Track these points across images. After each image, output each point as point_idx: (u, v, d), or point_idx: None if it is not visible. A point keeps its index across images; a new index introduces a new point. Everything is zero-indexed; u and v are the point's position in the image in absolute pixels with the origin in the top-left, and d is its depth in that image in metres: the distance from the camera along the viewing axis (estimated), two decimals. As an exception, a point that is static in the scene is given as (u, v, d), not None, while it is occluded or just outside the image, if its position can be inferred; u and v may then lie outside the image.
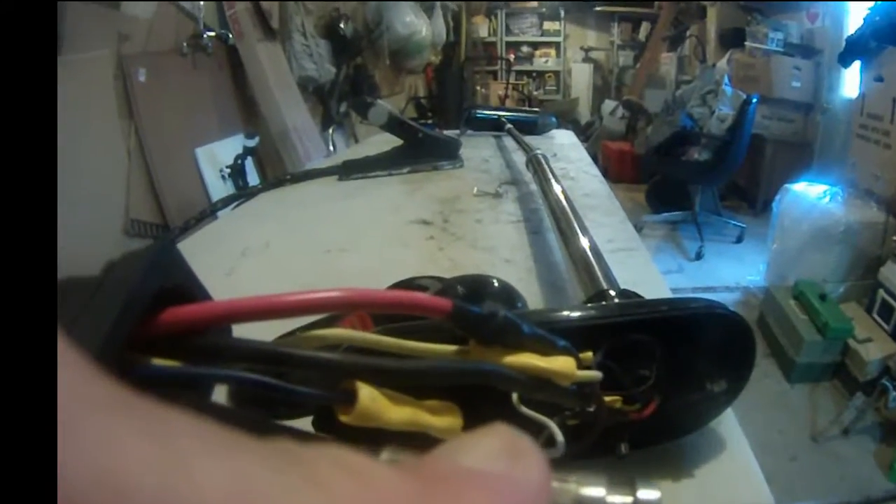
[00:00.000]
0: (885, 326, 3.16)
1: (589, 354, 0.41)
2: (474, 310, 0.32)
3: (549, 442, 0.37)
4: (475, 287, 0.53)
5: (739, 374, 0.50)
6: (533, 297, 0.79)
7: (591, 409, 0.42)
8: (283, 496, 0.14)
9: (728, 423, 0.56)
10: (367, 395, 0.28)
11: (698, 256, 4.61)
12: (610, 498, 0.25)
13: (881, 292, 3.25)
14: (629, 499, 0.25)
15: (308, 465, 0.15)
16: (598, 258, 0.66)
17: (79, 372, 0.14)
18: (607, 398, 0.44)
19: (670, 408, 0.47)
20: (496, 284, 0.55)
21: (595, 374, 0.40)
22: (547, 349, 0.36)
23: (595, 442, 0.43)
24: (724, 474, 0.52)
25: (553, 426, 0.37)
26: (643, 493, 0.25)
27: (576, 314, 0.45)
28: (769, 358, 3.35)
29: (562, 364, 0.36)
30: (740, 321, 0.49)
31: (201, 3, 2.80)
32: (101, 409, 0.14)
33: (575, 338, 0.41)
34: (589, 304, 0.57)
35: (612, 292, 0.59)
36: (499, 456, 0.18)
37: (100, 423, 0.14)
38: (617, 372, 0.44)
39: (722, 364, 0.49)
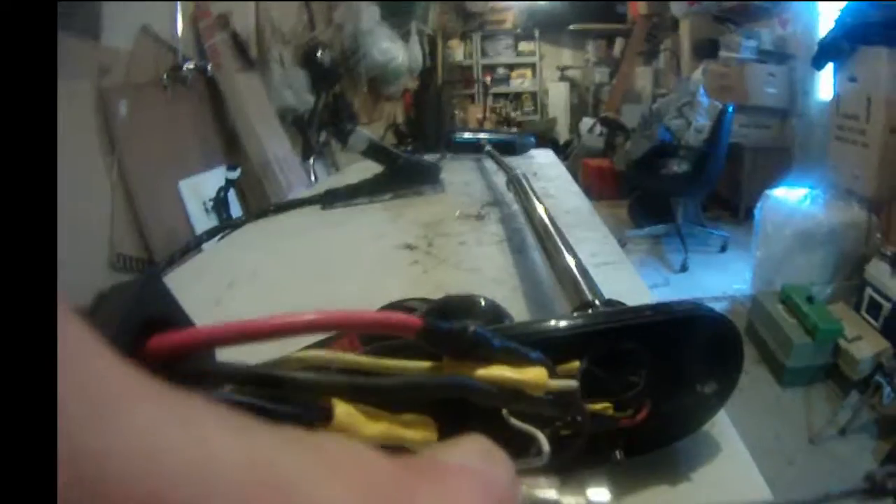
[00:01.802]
0: (875, 324, 3.20)
1: (576, 364, 0.42)
2: (444, 326, 0.33)
3: (539, 452, 0.38)
4: (462, 307, 0.53)
5: (729, 374, 0.51)
6: (520, 314, 0.80)
7: (580, 419, 0.42)
8: (298, 474, 0.16)
9: (722, 425, 0.56)
10: (343, 411, 0.29)
11: (683, 268, 4.61)
12: (565, 499, 0.27)
13: (868, 290, 3.29)
14: (581, 499, 0.26)
15: (317, 447, 0.17)
16: (583, 272, 0.67)
17: (112, 363, 0.15)
18: (598, 405, 0.44)
19: (663, 412, 0.48)
20: (483, 303, 0.56)
21: (568, 383, 0.40)
22: (519, 361, 0.37)
23: (590, 450, 0.44)
24: (722, 476, 0.52)
25: (539, 436, 0.38)
26: (594, 495, 0.26)
27: (562, 323, 0.45)
28: (760, 364, 3.35)
29: (533, 374, 0.37)
30: (725, 321, 0.50)
31: (180, 34, 2.81)
32: (142, 398, 0.15)
33: (563, 348, 0.42)
34: (574, 314, 0.57)
35: (598, 302, 0.60)
36: (474, 455, 0.21)
37: (143, 412, 0.15)
38: (606, 379, 0.44)
39: (710, 365, 0.50)
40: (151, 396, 0.15)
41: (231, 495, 0.14)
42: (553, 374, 0.39)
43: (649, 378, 0.46)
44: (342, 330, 0.31)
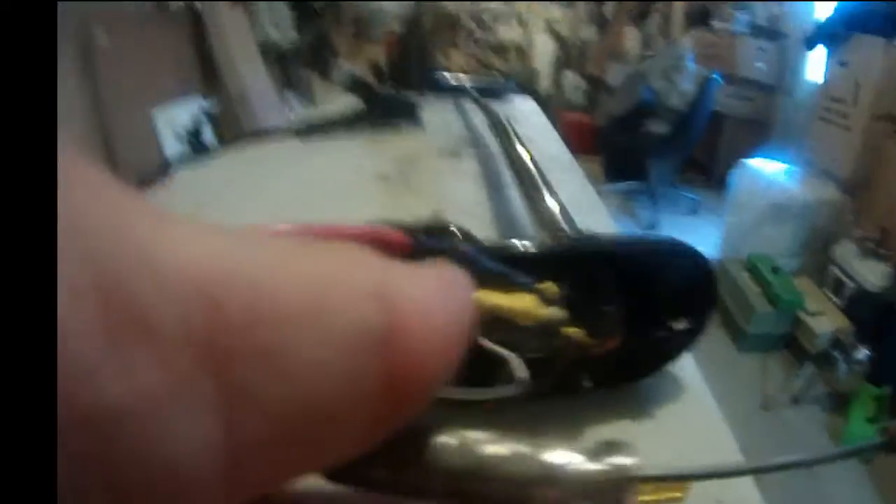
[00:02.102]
0: (837, 301, 3.27)
1: (551, 285, 0.41)
2: (432, 244, 0.33)
3: (510, 376, 0.36)
4: (435, 232, 0.52)
5: (700, 313, 0.50)
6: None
7: (556, 345, 0.41)
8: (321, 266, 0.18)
9: (688, 368, 0.56)
10: None
11: (651, 227, 4.65)
12: (584, 465, 0.25)
13: (834, 269, 3.36)
14: (601, 465, 0.25)
15: (335, 247, 0.19)
16: (562, 209, 0.66)
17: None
18: (570, 331, 0.43)
19: (633, 345, 0.47)
20: (455, 231, 0.56)
21: (559, 313, 0.39)
22: (507, 286, 0.36)
23: (560, 379, 0.43)
24: (685, 416, 0.52)
25: (515, 360, 0.36)
26: (615, 459, 0.25)
27: (540, 245, 0.45)
28: (720, 328, 3.41)
29: (524, 302, 0.36)
30: (701, 258, 0.50)
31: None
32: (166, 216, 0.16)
33: (538, 269, 0.41)
34: (554, 237, 0.58)
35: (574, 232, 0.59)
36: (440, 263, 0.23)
37: (180, 223, 0.16)
38: (581, 304, 0.43)
39: (683, 302, 0.49)
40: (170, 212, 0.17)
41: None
42: (543, 302, 0.38)
43: (623, 307, 0.45)
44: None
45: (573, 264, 0.44)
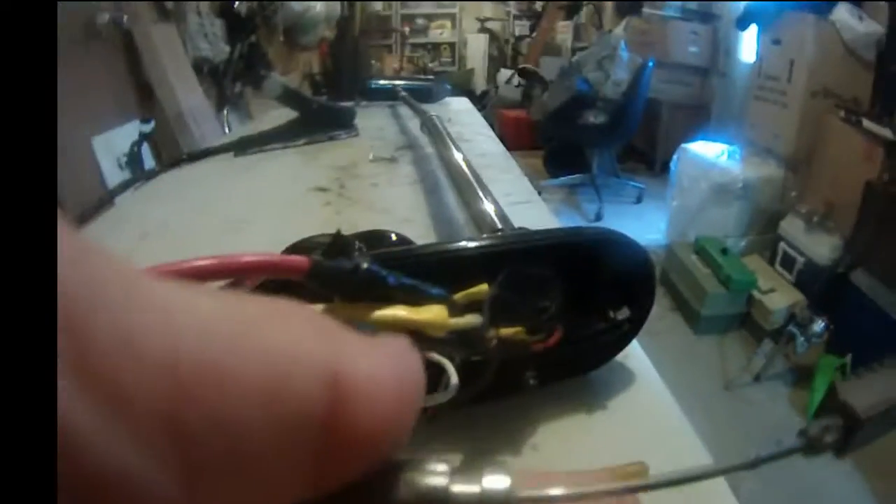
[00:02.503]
0: (788, 276, 3.32)
1: (483, 287, 0.40)
2: (333, 265, 0.32)
3: (445, 384, 0.37)
4: (373, 241, 0.52)
5: (641, 301, 0.51)
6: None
7: (485, 350, 0.41)
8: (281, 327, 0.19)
9: (636, 356, 0.57)
10: None
11: (598, 218, 4.68)
12: (455, 487, 0.24)
13: (783, 245, 3.40)
14: (475, 487, 0.25)
15: (270, 306, 0.20)
16: (497, 209, 0.66)
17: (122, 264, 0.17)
18: (509, 330, 0.42)
19: (576, 339, 0.48)
20: (394, 238, 0.56)
21: (470, 321, 0.39)
22: (417, 299, 0.36)
23: (503, 378, 0.43)
24: (638, 404, 0.53)
25: (448, 366, 0.37)
26: (490, 481, 0.25)
27: (471, 244, 0.45)
28: (674, 312, 3.43)
29: (432, 314, 0.36)
30: (636, 246, 0.49)
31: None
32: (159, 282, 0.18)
33: (471, 270, 0.41)
34: (483, 236, 0.57)
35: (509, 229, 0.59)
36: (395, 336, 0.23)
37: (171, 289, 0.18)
38: (517, 303, 0.43)
39: (622, 291, 0.50)
40: (146, 275, 0.18)
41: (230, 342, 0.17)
42: (455, 311, 0.38)
43: (561, 302, 0.45)
44: (228, 276, 0.29)
45: (507, 262, 0.43)
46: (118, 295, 0.16)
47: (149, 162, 2.89)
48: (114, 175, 2.70)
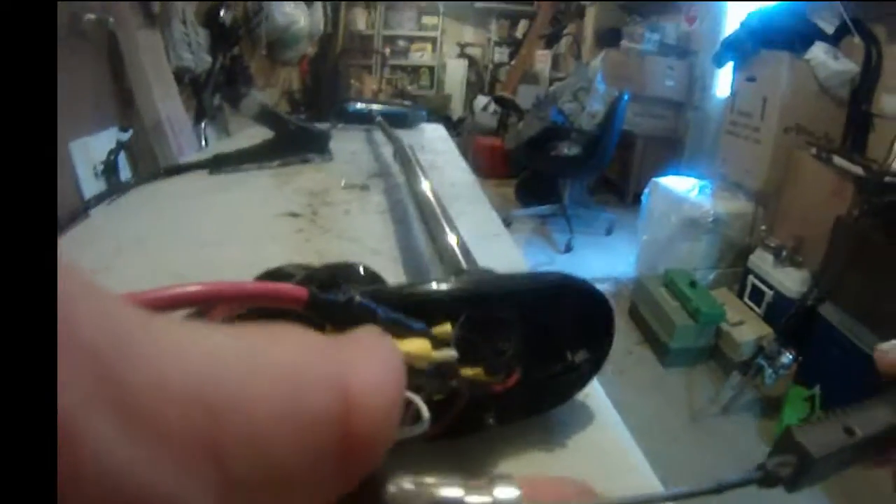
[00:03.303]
0: (757, 309, 3.36)
1: (447, 327, 0.42)
2: (330, 297, 0.34)
3: (415, 418, 0.37)
4: (341, 274, 0.52)
5: (599, 343, 0.52)
6: (398, 281, 0.82)
7: (454, 385, 0.43)
8: (269, 344, 0.22)
9: (595, 395, 0.58)
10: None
11: (568, 249, 4.70)
12: (469, 498, 0.26)
13: (751, 278, 3.45)
14: (488, 498, 0.27)
15: (257, 332, 0.23)
16: (461, 245, 0.67)
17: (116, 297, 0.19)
18: (469, 371, 0.44)
19: (534, 379, 0.49)
20: (362, 272, 0.57)
21: (450, 354, 0.41)
22: (402, 332, 0.38)
23: (463, 417, 0.44)
24: (597, 442, 0.54)
25: (418, 401, 0.37)
26: (501, 492, 0.27)
27: (433, 286, 0.46)
28: (643, 345, 3.45)
29: (417, 346, 0.38)
30: (594, 291, 0.51)
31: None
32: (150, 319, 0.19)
33: (434, 312, 0.42)
34: (448, 279, 0.57)
35: (472, 270, 0.60)
36: (372, 331, 0.27)
37: (162, 329, 0.19)
38: (477, 344, 0.44)
39: (581, 334, 0.51)
40: (157, 317, 0.20)
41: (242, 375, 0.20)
42: (436, 345, 0.40)
43: (519, 345, 0.46)
44: (231, 302, 0.31)
45: (469, 305, 0.44)
46: (144, 340, 0.18)
47: (125, 172, 2.87)
48: (89, 183, 2.69)
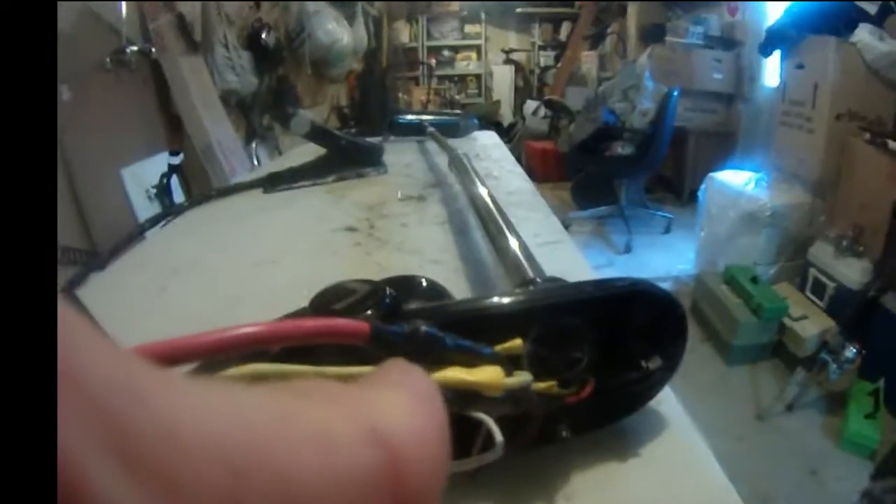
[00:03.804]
0: (819, 303, 3.30)
1: (517, 342, 0.41)
2: (394, 330, 0.33)
3: (487, 439, 0.37)
4: (403, 288, 0.50)
5: (673, 349, 0.51)
6: (461, 294, 0.78)
7: (527, 405, 0.41)
8: (301, 408, 0.20)
9: (668, 401, 0.56)
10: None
11: (627, 249, 4.67)
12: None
13: (813, 271, 3.38)
14: None
15: (281, 389, 0.22)
16: (525, 251, 0.66)
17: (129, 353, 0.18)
18: (542, 384, 0.43)
19: (608, 389, 0.48)
20: (424, 284, 0.55)
21: (524, 379, 0.39)
22: (472, 359, 0.36)
23: (537, 429, 0.44)
24: (671, 451, 0.52)
25: (492, 424, 0.37)
26: None
27: (504, 300, 0.45)
28: (705, 343, 3.40)
29: (489, 374, 0.36)
30: (667, 297, 0.50)
31: (123, 16, 2.75)
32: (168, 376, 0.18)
33: (504, 325, 0.41)
34: (516, 291, 0.57)
35: (539, 280, 0.59)
36: (397, 364, 0.26)
37: (182, 388, 0.18)
38: (550, 357, 0.43)
39: (654, 341, 0.50)
40: (171, 371, 0.19)
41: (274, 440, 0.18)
42: (508, 371, 0.38)
43: (593, 354, 0.45)
44: (290, 342, 0.30)
45: (541, 317, 0.43)
46: (156, 393, 0.16)
47: (178, 194, 2.91)
48: (143, 206, 2.72)
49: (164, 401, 0.16)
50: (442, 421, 0.24)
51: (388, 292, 0.42)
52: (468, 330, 0.38)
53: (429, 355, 0.34)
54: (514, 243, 0.70)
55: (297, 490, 0.18)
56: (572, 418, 0.47)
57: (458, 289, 0.82)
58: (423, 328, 0.34)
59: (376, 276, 0.48)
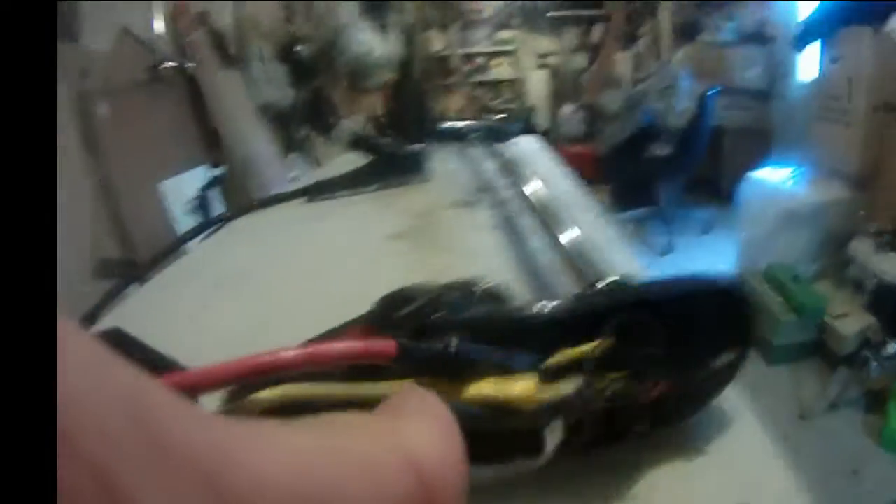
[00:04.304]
0: (860, 300, 3.25)
1: (592, 345, 0.41)
2: (421, 348, 0.33)
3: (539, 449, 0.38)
4: (465, 291, 0.51)
5: (741, 345, 0.50)
6: (522, 296, 0.77)
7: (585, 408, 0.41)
8: (321, 453, 0.21)
9: (730, 398, 0.56)
10: None
11: (668, 251, 4.65)
12: None
13: (853, 267, 3.35)
14: None
15: (325, 426, 0.24)
16: (584, 252, 0.67)
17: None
18: (616, 378, 0.44)
19: (680, 387, 0.48)
20: (486, 287, 0.54)
21: (564, 389, 0.40)
22: (506, 371, 0.36)
23: (612, 428, 0.45)
24: (736, 448, 0.52)
25: (546, 433, 0.38)
26: None
27: (580, 301, 0.46)
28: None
29: (521, 387, 0.37)
30: (737, 291, 0.50)
31: (157, 32, 2.79)
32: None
33: (573, 329, 0.42)
34: (586, 293, 0.56)
35: (605, 281, 0.57)
36: (414, 392, 0.28)
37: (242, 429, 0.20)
38: (625, 353, 0.43)
39: (724, 338, 0.49)
40: (246, 422, 0.21)
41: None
42: (546, 379, 0.39)
43: (667, 352, 0.45)
44: (318, 366, 0.30)
45: (611, 316, 0.43)
46: (239, 446, 0.18)
47: (217, 207, 2.93)
48: (183, 219, 2.75)
49: (248, 455, 0.18)
50: (458, 441, 0.26)
51: (452, 298, 0.44)
52: (534, 335, 0.40)
53: (460, 371, 0.35)
54: (575, 243, 0.72)
55: None
56: (647, 417, 0.48)
57: (519, 290, 0.80)
58: (454, 345, 0.34)
59: (435, 283, 0.48)
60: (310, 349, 0.29)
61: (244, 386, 0.30)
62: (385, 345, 0.31)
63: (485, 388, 0.35)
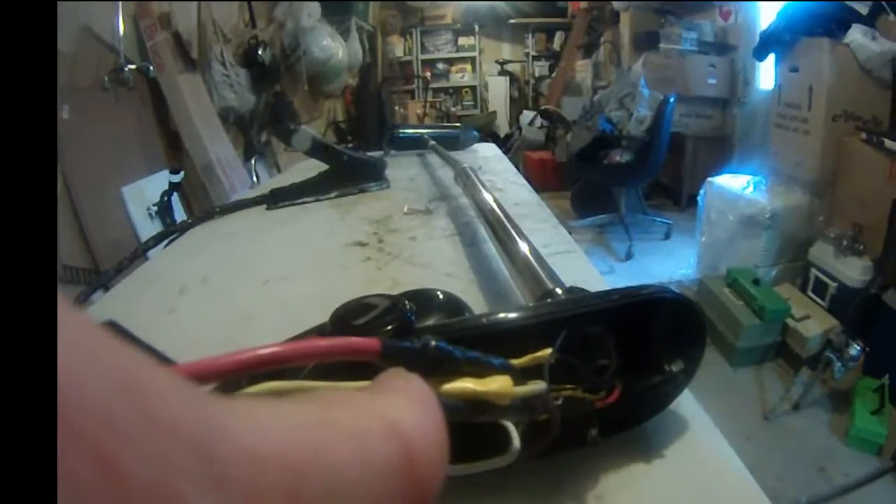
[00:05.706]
0: (822, 303, 3.32)
1: (545, 352, 0.42)
2: (405, 345, 0.34)
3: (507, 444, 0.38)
4: (422, 301, 0.52)
5: (693, 352, 0.52)
6: (478, 306, 0.79)
7: (547, 409, 0.42)
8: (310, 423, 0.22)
9: (687, 403, 0.57)
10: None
11: (628, 256, 4.68)
12: None
13: (814, 271, 3.41)
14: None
15: (312, 399, 0.26)
16: (540, 261, 0.67)
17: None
18: (569, 390, 0.45)
19: (634, 392, 0.49)
20: (441, 297, 0.56)
21: (535, 388, 0.40)
22: (482, 371, 0.37)
23: (567, 433, 0.44)
24: (694, 450, 0.53)
25: (512, 430, 0.38)
26: None
27: (532, 312, 0.46)
28: (710, 346, 3.38)
29: (498, 385, 0.38)
30: (688, 302, 0.51)
31: (121, 35, 2.76)
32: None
33: (531, 337, 0.43)
34: (544, 302, 0.57)
35: (559, 290, 0.60)
36: (398, 373, 0.29)
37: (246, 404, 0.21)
38: (576, 364, 0.45)
39: (676, 345, 0.51)
40: (239, 397, 0.24)
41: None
42: (518, 380, 0.39)
43: (619, 360, 0.46)
44: (303, 362, 0.31)
45: (564, 326, 0.44)
46: (233, 419, 0.19)
47: (178, 212, 2.91)
48: (144, 224, 2.73)
49: (239, 424, 0.19)
50: (440, 419, 0.27)
51: (408, 307, 0.43)
52: (492, 341, 0.40)
53: (440, 368, 0.35)
54: (528, 253, 0.70)
55: (340, 480, 0.21)
56: (601, 422, 0.49)
57: (475, 300, 0.82)
58: (434, 343, 0.35)
59: (390, 291, 0.48)
60: (294, 345, 0.29)
61: (227, 383, 0.30)
62: (370, 342, 0.32)
63: (463, 384, 0.36)
